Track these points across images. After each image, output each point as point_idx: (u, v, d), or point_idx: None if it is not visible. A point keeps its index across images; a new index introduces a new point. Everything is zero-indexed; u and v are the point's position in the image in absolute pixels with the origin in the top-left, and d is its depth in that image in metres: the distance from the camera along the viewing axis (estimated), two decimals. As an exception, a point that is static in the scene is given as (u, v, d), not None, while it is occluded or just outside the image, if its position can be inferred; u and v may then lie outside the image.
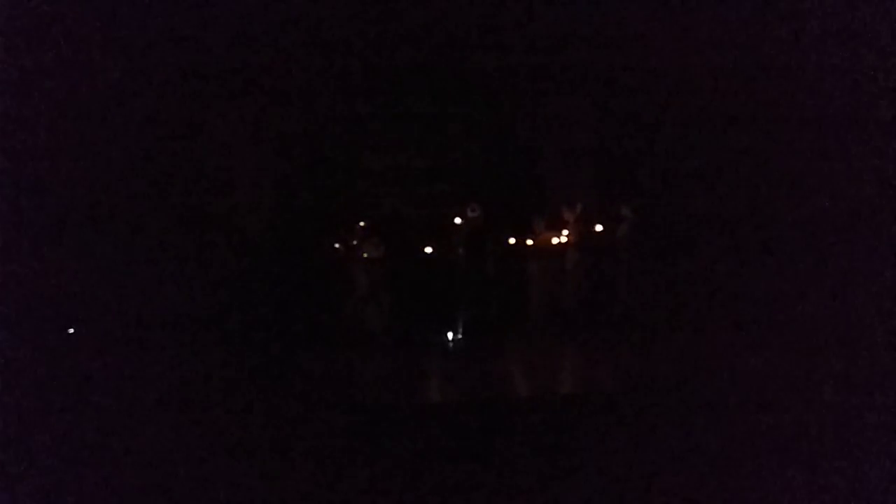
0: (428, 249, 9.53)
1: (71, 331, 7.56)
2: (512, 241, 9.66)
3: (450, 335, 9.27)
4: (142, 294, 8.20)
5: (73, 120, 7.09)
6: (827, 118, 6.61)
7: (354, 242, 9.56)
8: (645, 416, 6.05)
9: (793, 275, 7.15)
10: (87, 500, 5.21)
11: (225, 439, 5.95)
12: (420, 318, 9.27)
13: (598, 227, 9.57)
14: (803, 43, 6.84)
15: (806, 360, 6.35)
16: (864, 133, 6.36)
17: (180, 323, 8.18)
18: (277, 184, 10.27)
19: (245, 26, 8.52)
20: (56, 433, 5.75)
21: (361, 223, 9.80)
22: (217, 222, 9.35)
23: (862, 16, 6.16)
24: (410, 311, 9.29)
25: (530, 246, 9.65)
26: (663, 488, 5.17)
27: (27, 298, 6.32)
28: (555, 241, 9.67)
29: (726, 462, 5.34)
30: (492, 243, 9.62)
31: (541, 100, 10.43)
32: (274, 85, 9.64)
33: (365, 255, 9.44)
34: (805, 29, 6.77)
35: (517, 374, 8.05)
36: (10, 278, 6.11)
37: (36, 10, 6.21)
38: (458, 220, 9.69)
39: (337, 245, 9.62)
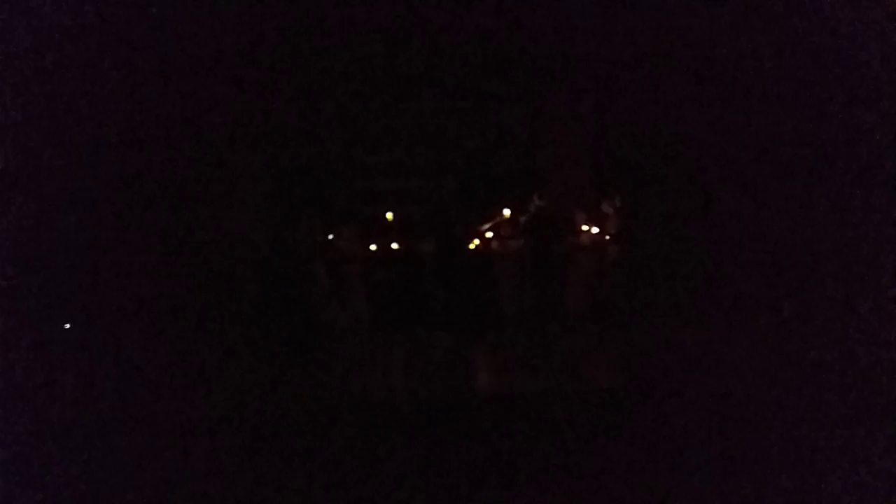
0: (489, 234, 9.70)
1: (67, 326, 7.55)
2: (585, 228, 9.74)
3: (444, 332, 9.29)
4: (136, 291, 8.17)
5: (68, 117, 7.05)
6: (826, 116, 6.65)
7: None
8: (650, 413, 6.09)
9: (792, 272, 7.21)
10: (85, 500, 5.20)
11: (222, 436, 5.96)
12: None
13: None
14: (801, 39, 6.87)
15: (806, 358, 6.40)
16: (861, 130, 6.39)
17: (184, 320, 8.19)
18: (275, 181, 10.27)
19: (244, 23, 8.49)
20: (54, 433, 5.74)
21: (389, 215, 9.90)
22: (213, 220, 9.32)
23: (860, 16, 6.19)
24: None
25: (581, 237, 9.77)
26: (663, 487, 5.19)
27: (24, 297, 6.31)
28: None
29: (727, 461, 5.37)
30: (564, 232, 9.69)
31: (540, 96, 10.46)
32: (270, 81, 9.63)
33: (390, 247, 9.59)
34: (802, 26, 6.80)
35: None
36: (9, 277, 6.11)
37: (32, 8, 6.18)
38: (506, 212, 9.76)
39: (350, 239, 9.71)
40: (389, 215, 9.96)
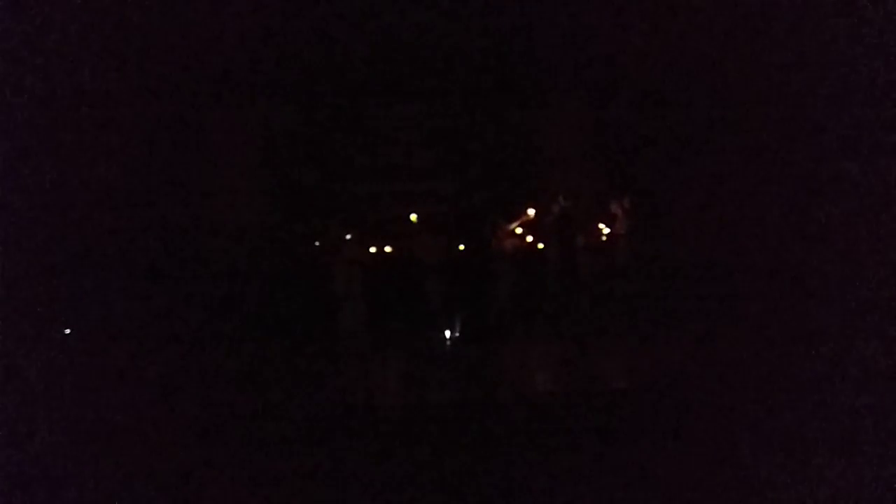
0: (518, 230, 9.70)
1: (67, 331, 7.63)
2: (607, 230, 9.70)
3: (447, 333, 9.27)
4: (137, 292, 8.23)
5: (71, 121, 7.12)
6: (827, 114, 6.56)
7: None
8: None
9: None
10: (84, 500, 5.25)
11: (221, 435, 6.00)
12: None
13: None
14: (801, 40, 6.79)
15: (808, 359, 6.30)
16: (862, 129, 6.30)
17: (195, 320, 8.24)
18: (279, 183, 10.31)
19: (244, 25, 8.53)
20: (55, 433, 5.80)
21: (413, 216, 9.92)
22: (214, 221, 9.37)
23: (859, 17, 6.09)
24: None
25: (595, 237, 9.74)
26: (664, 488, 5.14)
27: (25, 299, 6.38)
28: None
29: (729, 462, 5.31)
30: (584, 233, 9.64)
31: (540, 97, 10.44)
32: (271, 84, 9.67)
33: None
34: (803, 26, 6.72)
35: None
36: (10, 278, 6.17)
37: (33, 10, 6.23)
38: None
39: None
40: (414, 216, 9.95)
